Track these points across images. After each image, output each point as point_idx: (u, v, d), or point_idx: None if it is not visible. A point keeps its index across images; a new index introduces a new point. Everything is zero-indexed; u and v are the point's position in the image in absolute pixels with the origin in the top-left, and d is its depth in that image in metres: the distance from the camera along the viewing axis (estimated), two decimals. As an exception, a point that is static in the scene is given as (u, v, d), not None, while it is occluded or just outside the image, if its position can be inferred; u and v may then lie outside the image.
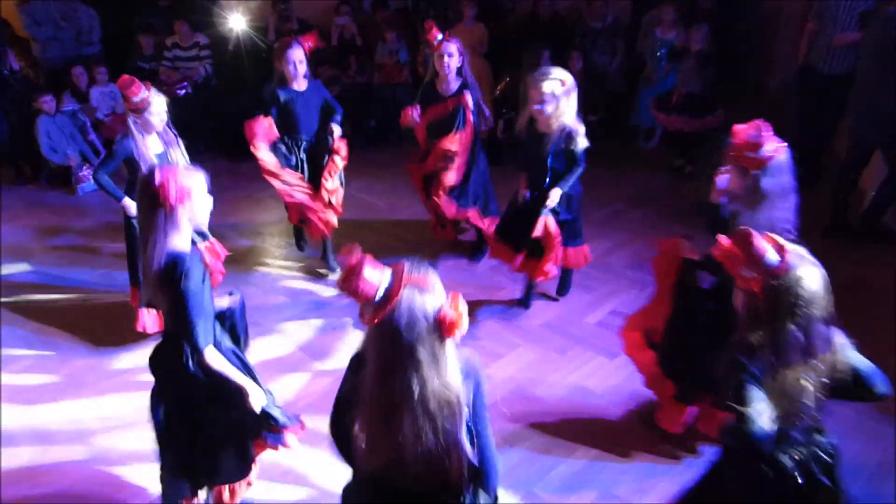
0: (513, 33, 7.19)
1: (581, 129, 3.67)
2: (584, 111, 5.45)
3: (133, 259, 3.93)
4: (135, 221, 3.59)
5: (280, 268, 4.88)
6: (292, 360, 3.82)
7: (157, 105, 3.71)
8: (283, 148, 4.40)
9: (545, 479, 2.97)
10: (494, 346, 3.90)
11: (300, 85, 4.34)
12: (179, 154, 3.85)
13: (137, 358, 3.70)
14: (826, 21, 5.26)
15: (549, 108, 3.60)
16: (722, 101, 6.05)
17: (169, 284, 2.25)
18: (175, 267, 2.24)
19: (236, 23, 7.05)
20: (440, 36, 4.36)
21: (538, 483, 2.95)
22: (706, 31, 5.97)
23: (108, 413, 3.44)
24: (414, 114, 4.47)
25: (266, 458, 2.80)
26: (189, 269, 2.25)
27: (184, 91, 7.00)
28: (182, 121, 6.77)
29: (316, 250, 4.89)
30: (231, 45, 7.15)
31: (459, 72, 4.43)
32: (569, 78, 3.62)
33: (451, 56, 4.35)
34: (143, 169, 3.75)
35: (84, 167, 6.31)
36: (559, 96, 3.58)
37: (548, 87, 3.55)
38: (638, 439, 3.19)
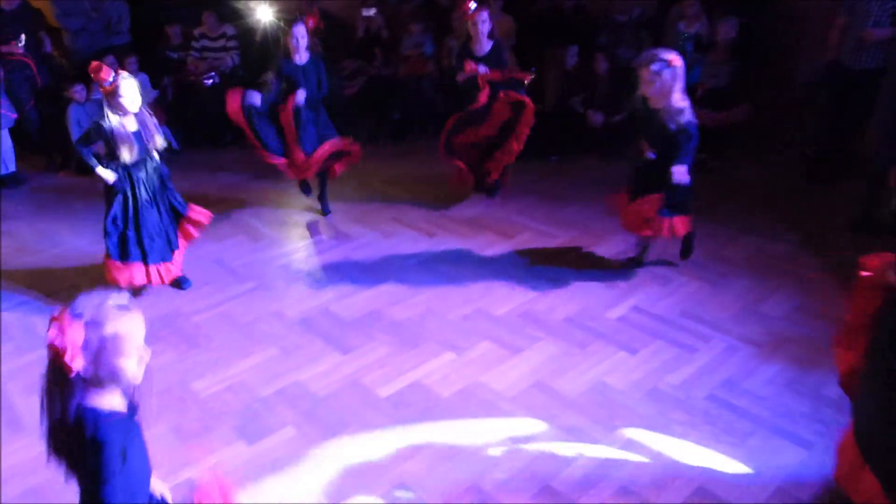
0: (537, 25, 7.14)
1: (686, 105, 4.01)
2: (609, 111, 5.62)
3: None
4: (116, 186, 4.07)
5: (302, 256, 4.92)
6: (313, 349, 3.85)
7: (127, 88, 3.86)
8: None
9: (563, 473, 2.96)
10: (515, 340, 3.89)
11: (301, 57, 5.07)
12: (157, 135, 4.07)
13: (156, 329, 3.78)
14: (857, 16, 5.15)
15: (657, 87, 3.98)
16: (746, 96, 5.96)
17: (80, 449, 1.61)
18: (86, 431, 1.59)
19: (264, 14, 7.11)
20: (473, 5, 5.13)
21: (556, 477, 2.94)
22: (735, 24, 5.89)
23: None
24: (475, 66, 5.15)
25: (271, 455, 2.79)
26: (107, 439, 1.59)
27: (211, 81, 7.09)
28: (209, 110, 6.94)
29: (334, 236, 4.93)
30: (258, 36, 7.21)
31: (489, 35, 5.23)
32: (676, 58, 3.96)
33: (484, 23, 5.20)
34: (119, 144, 3.97)
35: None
36: (665, 75, 3.94)
37: (655, 67, 3.95)
38: (658, 435, 3.17)
